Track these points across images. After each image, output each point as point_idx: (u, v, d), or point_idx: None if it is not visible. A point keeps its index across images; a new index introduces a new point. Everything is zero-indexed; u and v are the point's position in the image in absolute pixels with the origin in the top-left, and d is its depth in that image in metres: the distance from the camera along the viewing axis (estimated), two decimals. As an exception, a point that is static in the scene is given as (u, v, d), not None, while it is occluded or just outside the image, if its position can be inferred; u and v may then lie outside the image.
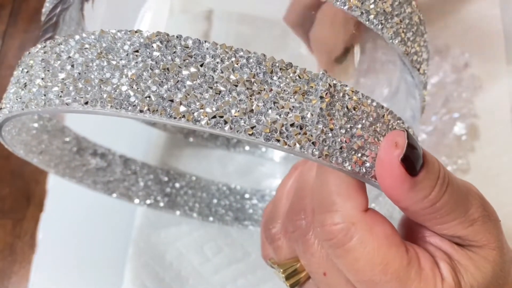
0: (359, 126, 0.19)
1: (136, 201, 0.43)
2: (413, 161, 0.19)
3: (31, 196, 0.57)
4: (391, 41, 0.22)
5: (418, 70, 0.24)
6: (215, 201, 0.44)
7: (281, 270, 0.24)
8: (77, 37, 0.19)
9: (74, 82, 0.18)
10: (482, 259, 0.20)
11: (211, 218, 0.44)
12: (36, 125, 0.35)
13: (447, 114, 0.45)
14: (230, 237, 0.44)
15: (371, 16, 0.22)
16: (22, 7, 0.76)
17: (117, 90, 0.18)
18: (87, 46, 0.19)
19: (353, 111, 0.19)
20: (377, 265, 0.19)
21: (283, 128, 0.18)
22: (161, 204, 0.43)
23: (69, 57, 0.19)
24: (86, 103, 0.18)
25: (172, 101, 0.18)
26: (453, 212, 0.20)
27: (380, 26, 0.22)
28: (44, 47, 0.20)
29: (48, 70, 0.19)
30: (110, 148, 0.43)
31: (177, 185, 0.44)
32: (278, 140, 0.18)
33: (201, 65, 0.18)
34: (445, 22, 0.49)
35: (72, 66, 0.19)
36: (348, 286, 0.21)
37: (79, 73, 0.19)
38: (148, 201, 0.43)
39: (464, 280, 0.20)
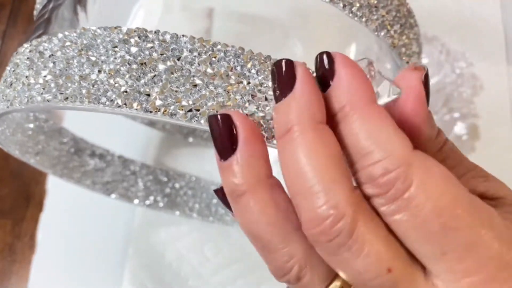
0: None
1: (136, 201, 0.43)
2: (427, 89, 0.18)
3: (30, 196, 0.56)
4: (376, 33, 0.22)
5: (408, 63, 0.24)
6: (215, 201, 0.44)
7: None
8: (60, 35, 0.19)
9: (55, 79, 0.19)
10: None
11: (211, 218, 0.44)
12: (31, 125, 0.35)
13: (447, 114, 0.45)
14: (230, 237, 0.43)
15: (354, 8, 0.21)
16: (21, 8, 0.76)
17: (95, 86, 0.18)
18: (68, 43, 0.19)
19: None
20: (445, 209, 0.16)
21: (261, 121, 0.18)
22: (161, 205, 0.43)
23: (52, 55, 0.19)
24: (66, 99, 0.18)
25: (148, 95, 0.18)
26: (462, 163, 0.19)
27: (364, 19, 0.22)
28: (30, 45, 0.20)
29: (32, 69, 0.20)
30: (109, 149, 0.43)
31: (176, 185, 0.44)
32: None
33: (178, 59, 0.18)
34: (445, 22, 0.49)
35: (54, 63, 0.19)
36: (418, 268, 0.17)
37: (60, 70, 0.19)
38: (147, 202, 0.43)
39: None
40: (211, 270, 0.42)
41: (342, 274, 0.18)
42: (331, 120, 0.17)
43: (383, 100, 0.18)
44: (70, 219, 0.46)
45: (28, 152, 0.34)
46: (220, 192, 0.20)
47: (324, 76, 0.17)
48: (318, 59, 0.18)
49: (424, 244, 0.16)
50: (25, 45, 0.21)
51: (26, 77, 0.20)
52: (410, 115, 0.18)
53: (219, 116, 0.17)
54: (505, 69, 0.47)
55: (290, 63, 0.17)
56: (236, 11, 0.50)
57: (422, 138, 0.18)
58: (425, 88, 0.18)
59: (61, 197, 0.46)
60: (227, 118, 0.17)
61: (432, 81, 0.46)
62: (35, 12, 0.26)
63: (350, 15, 0.21)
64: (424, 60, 0.47)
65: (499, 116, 0.45)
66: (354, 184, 0.17)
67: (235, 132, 0.17)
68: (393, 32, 0.23)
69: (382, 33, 0.22)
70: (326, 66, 0.17)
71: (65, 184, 0.40)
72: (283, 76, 0.17)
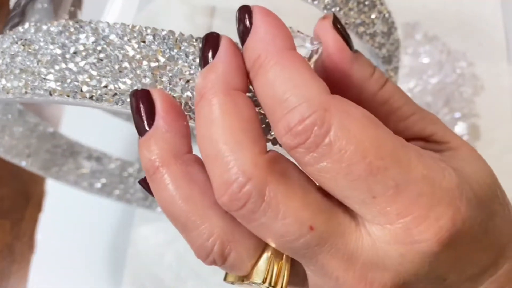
0: None
1: (134, 203, 0.43)
2: (344, 33, 0.18)
3: (30, 196, 0.56)
4: (325, 11, 0.21)
5: (368, 42, 0.23)
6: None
7: (262, 283, 0.18)
8: (10, 32, 0.20)
9: (1, 74, 0.19)
10: (469, 157, 0.18)
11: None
12: (20, 129, 0.35)
13: (448, 114, 0.45)
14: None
15: None
16: (21, 7, 0.76)
17: (32, 77, 0.19)
18: (16, 39, 0.20)
19: None
20: (369, 149, 0.15)
21: (189, 102, 0.18)
22: (160, 205, 0.43)
23: (2, 51, 0.20)
24: (8, 92, 0.19)
25: (77, 81, 0.18)
26: (407, 104, 0.19)
27: None
28: None
29: None
30: (106, 152, 0.43)
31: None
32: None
33: (108, 45, 0.18)
34: (446, 22, 0.49)
35: (3, 59, 0.20)
36: (347, 219, 0.16)
37: (6, 65, 0.20)
38: (146, 203, 0.43)
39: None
40: (210, 270, 0.42)
41: (267, 241, 0.17)
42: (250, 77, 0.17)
43: (313, 59, 0.18)
44: (70, 219, 0.45)
45: (18, 154, 0.34)
46: (142, 181, 0.19)
47: (244, 32, 0.17)
48: (238, 14, 0.17)
49: (352, 189, 0.15)
50: None
51: None
52: (336, 63, 0.18)
53: (138, 92, 0.17)
54: (505, 68, 0.47)
55: (216, 35, 0.17)
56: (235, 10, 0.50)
57: (354, 79, 0.18)
58: (341, 33, 0.18)
59: (61, 198, 0.46)
60: (146, 94, 0.17)
61: (433, 81, 0.46)
62: (10, 5, 0.26)
63: None
64: (425, 60, 0.47)
65: (500, 116, 0.45)
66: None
67: (154, 108, 0.17)
68: (347, 10, 0.22)
69: (333, 11, 0.21)
70: (246, 21, 0.17)
71: (65, 185, 0.40)
72: (207, 47, 0.17)
